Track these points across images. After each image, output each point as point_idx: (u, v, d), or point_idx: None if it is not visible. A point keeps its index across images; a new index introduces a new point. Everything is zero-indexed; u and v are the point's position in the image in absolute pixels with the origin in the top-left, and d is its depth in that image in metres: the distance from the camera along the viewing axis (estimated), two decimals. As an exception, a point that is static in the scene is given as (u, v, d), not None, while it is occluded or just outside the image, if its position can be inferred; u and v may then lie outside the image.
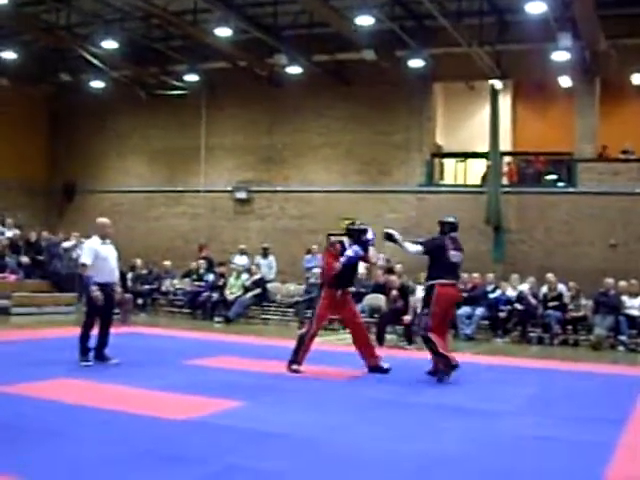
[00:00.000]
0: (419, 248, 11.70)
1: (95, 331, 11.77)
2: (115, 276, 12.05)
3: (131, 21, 24.54)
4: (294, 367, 11.42)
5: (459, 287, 12.30)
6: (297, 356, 11.51)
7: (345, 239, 11.86)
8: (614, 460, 6.82)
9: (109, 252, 11.92)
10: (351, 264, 11.75)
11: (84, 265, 11.63)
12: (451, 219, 12.01)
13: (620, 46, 21.45)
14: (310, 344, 11.58)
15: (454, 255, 11.63)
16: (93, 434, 7.14)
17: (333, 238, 12.64)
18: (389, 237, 11.76)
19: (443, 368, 11.20)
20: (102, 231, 11.96)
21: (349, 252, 11.53)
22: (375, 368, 11.75)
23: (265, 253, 23.21)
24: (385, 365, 11.82)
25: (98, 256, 11.62)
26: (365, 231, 11.80)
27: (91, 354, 11.61)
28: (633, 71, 23.37)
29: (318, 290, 12.38)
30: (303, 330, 12.03)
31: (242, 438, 7.19)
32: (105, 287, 11.60)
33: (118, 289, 12.21)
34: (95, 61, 25.79)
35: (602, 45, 21.32)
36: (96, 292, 11.35)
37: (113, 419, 7.80)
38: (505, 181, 24.29)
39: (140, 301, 22.65)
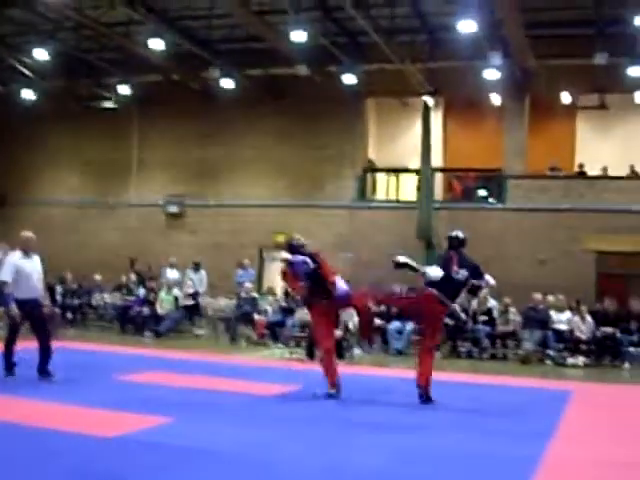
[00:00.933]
0: (439, 272, 11.00)
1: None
2: (38, 292, 11.71)
3: (63, 32, 24.22)
4: (331, 392, 10.97)
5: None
6: (328, 379, 11.10)
7: (288, 255, 11.52)
8: (538, 474, 6.90)
9: (32, 267, 11.61)
10: (311, 273, 11.26)
11: (4, 282, 11.32)
12: (459, 234, 11.51)
13: (549, 66, 21.86)
14: (331, 361, 11.24)
15: (455, 272, 11.02)
16: (18, 451, 7.05)
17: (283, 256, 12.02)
18: (402, 265, 11.33)
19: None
20: (25, 245, 11.67)
21: (296, 259, 11.22)
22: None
23: (196, 267, 23.06)
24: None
25: (19, 272, 11.34)
26: (303, 246, 11.51)
27: (15, 369, 11.45)
28: (561, 90, 23.76)
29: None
30: (319, 354, 11.75)
31: (172, 455, 7.16)
32: (27, 303, 11.33)
33: (45, 303, 12.01)
34: (26, 71, 25.51)
35: (532, 64, 21.73)
36: (14, 310, 11.13)
37: (40, 436, 7.72)
38: (440, 197, 24.61)
39: (70, 315, 22.38)
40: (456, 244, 11.37)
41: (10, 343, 11.45)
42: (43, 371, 11.53)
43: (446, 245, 11.60)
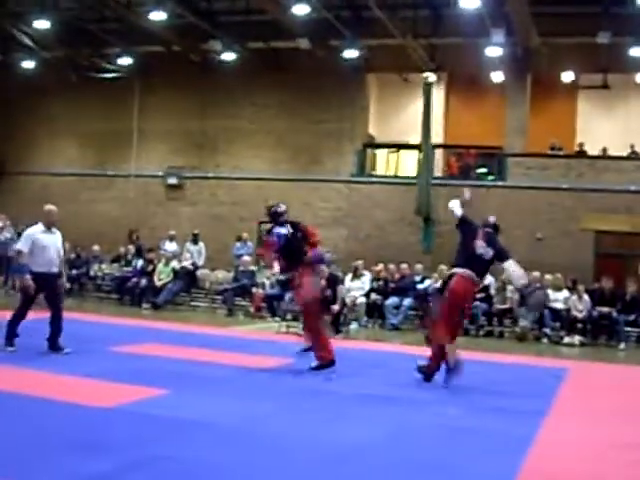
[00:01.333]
0: (459, 211, 10.82)
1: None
2: (54, 266, 11.45)
3: (65, 1, 24.13)
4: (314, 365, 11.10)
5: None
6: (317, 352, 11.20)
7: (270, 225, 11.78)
8: (530, 452, 6.94)
9: (51, 241, 11.41)
10: (289, 245, 11.31)
11: (19, 252, 11.24)
12: (491, 219, 11.19)
13: (552, 44, 21.82)
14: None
15: (480, 246, 10.59)
16: (14, 421, 7.10)
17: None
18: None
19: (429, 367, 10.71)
20: (47, 218, 11.54)
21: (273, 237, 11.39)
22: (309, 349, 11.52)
23: (195, 239, 23.04)
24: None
25: (37, 244, 11.16)
26: (283, 214, 11.64)
27: (16, 340, 11.28)
28: (563, 69, 23.71)
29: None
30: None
31: (166, 426, 7.19)
32: (41, 276, 11.14)
33: (62, 280, 11.85)
34: (27, 41, 25.39)
35: (534, 42, 21.66)
36: (29, 281, 10.98)
37: (35, 406, 7.74)
38: (439, 173, 24.62)
39: (68, 285, 22.36)
40: (489, 226, 11.06)
41: (19, 316, 11.33)
42: (54, 345, 11.39)
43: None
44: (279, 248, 11.32)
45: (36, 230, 11.33)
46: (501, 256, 10.87)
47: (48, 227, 11.47)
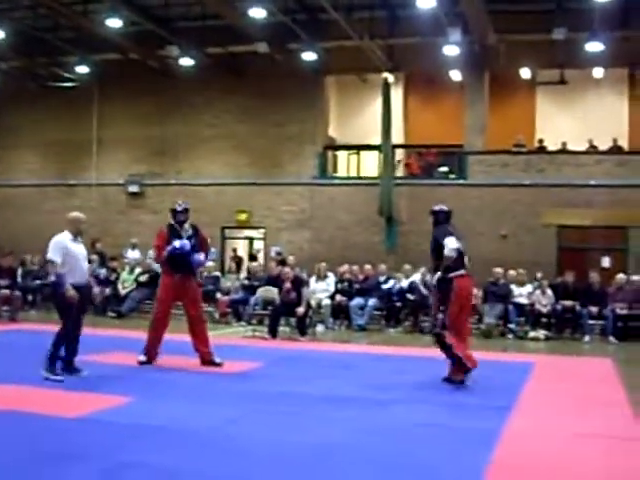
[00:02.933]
0: (450, 239, 10.41)
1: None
2: (85, 277, 10.78)
3: (19, 10, 23.98)
4: (140, 358, 11.50)
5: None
6: (146, 348, 11.61)
7: (172, 221, 11.92)
8: (498, 447, 6.98)
9: (80, 250, 10.63)
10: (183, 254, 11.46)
11: (53, 263, 10.24)
12: (444, 207, 11.09)
13: (509, 41, 21.98)
14: (158, 335, 11.57)
15: (460, 244, 10.62)
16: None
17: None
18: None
19: (455, 373, 10.59)
20: (75, 226, 10.68)
21: (176, 243, 11.43)
22: (208, 362, 11.50)
23: (158, 247, 22.89)
24: (218, 360, 11.54)
25: (69, 253, 10.29)
26: (184, 211, 11.85)
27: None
28: (521, 65, 23.90)
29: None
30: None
31: (133, 434, 7.17)
32: (78, 289, 10.20)
33: (94, 291, 11.15)
34: (-18, 52, 25.21)
35: (491, 40, 21.81)
36: (71, 291, 10.00)
37: (2, 418, 7.69)
38: (401, 173, 24.75)
39: (30, 297, 22.17)
40: (443, 218, 11.00)
41: (64, 337, 10.40)
42: (72, 366, 10.49)
43: (431, 220, 11.12)
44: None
45: (65, 238, 10.45)
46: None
47: (75, 235, 10.63)
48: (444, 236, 10.51)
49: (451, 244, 10.33)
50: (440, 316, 10.54)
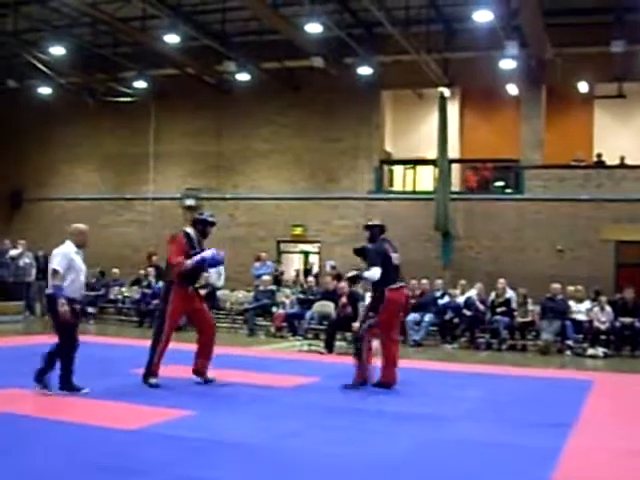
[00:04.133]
0: (377, 269, 10.86)
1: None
2: (82, 292, 10.41)
3: (79, 27, 24.37)
4: (152, 381, 10.64)
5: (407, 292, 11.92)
6: (151, 367, 10.75)
7: (191, 230, 11.15)
8: (559, 465, 6.87)
9: (81, 263, 10.17)
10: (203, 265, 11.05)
11: (55, 272, 9.77)
12: (377, 222, 11.66)
13: (566, 54, 21.74)
14: (165, 350, 10.79)
15: (395, 257, 11.23)
16: (41, 446, 7.08)
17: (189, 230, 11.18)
18: (354, 279, 11.80)
19: (355, 380, 10.87)
20: (78, 238, 10.25)
21: (207, 253, 10.86)
22: (199, 374, 11.18)
23: (216, 261, 23.06)
24: (210, 376, 11.19)
25: (72, 266, 9.91)
26: (213, 224, 11.30)
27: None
28: (579, 79, 23.65)
29: (165, 289, 11.24)
30: (155, 337, 10.97)
31: (192, 448, 7.15)
32: (74, 303, 9.87)
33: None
34: (43, 67, 25.55)
35: (548, 53, 21.61)
36: (65, 306, 9.58)
37: (59, 429, 7.75)
38: (457, 188, 24.64)
39: (89, 309, 22.40)
40: (378, 232, 11.46)
41: (72, 348, 9.97)
42: (69, 385, 9.98)
43: (367, 235, 11.54)
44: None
45: (70, 250, 10.03)
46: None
47: (78, 247, 10.19)
48: (381, 253, 11.12)
49: (375, 273, 10.85)
50: (366, 322, 11.08)
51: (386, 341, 11.13)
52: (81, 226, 10.46)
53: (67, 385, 9.84)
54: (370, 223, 11.63)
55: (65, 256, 9.90)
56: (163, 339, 10.77)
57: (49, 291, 9.93)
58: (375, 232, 11.44)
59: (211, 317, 11.68)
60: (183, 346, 16.76)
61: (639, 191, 22.25)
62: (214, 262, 11.14)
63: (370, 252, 11.25)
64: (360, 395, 10.50)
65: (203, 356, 11.25)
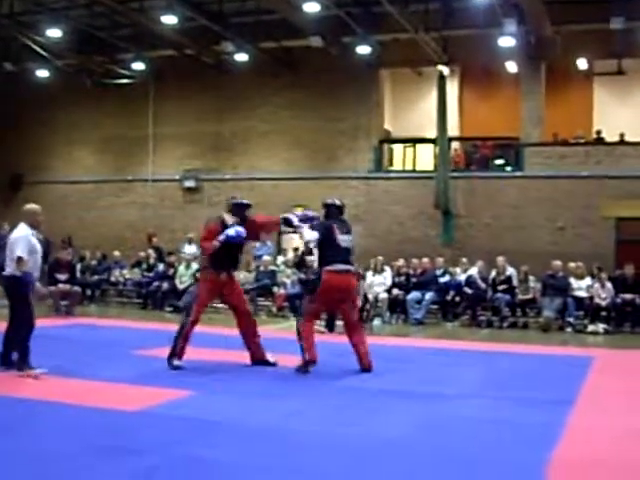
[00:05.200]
0: (315, 235, 10.74)
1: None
2: (39, 273, 10.27)
3: (76, 9, 24.22)
4: (175, 363, 10.57)
5: (354, 273, 10.97)
6: (176, 349, 10.66)
7: (227, 216, 11.02)
8: (560, 441, 6.90)
9: (37, 245, 10.01)
10: (234, 244, 10.83)
11: (21, 259, 9.62)
12: (337, 201, 11.19)
13: (565, 31, 21.69)
14: (190, 333, 10.71)
15: (343, 240, 10.74)
16: (43, 427, 7.10)
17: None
18: (286, 222, 11.18)
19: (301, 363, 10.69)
20: (32, 219, 10.05)
21: (230, 231, 10.62)
22: (261, 361, 11.12)
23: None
24: (272, 359, 11.15)
25: (31, 250, 9.79)
26: (248, 206, 11.18)
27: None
28: (578, 56, 23.61)
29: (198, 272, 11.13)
30: (182, 319, 10.99)
31: (193, 428, 7.17)
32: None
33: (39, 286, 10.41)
34: (40, 50, 25.47)
35: (547, 30, 21.57)
36: (43, 289, 9.62)
37: (63, 412, 7.76)
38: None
39: (89, 292, 22.45)
40: (335, 211, 11.11)
41: (29, 332, 9.79)
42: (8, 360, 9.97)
43: (323, 212, 11.22)
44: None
45: (27, 233, 9.86)
46: None
47: (33, 228, 10.01)
48: (326, 227, 10.80)
49: (313, 234, 10.72)
50: (305, 303, 11.08)
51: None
52: (34, 206, 10.26)
53: (24, 365, 9.69)
54: (328, 201, 11.25)
55: (25, 240, 9.74)
56: (189, 322, 10.71)
57: (15, 274, 9.71)
58: (331, 211, 11.10)
59: (244, 299, 11.63)
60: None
61: (639, 168, 22.19)
62: (238, 239, 10.80)
63: (316, 223, 11.01)
64: (360, 375, 10.51)
65: (250, 338, 11.22)
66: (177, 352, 10.64)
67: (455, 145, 25.59)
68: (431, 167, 24.45)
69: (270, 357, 11.20)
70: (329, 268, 10.57)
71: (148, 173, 27.90)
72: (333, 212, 11.10)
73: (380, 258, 19.95)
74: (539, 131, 23.79)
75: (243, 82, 25.90)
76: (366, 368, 10.74)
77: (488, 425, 7.58)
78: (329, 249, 10.63)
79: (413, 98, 27.02)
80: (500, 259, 19.31)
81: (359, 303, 16.43)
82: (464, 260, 20.29)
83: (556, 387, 9.90)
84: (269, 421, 7.55)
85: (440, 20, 22.54)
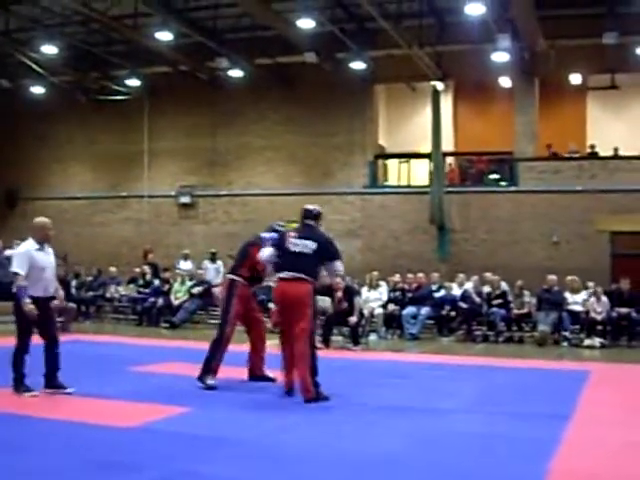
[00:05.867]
0: (269, 251, 10.50)
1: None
2: (52, 290, 9.88)
3: (71, 26, 24.25)
4: (210, 382, 10.36)
5: (305, 279, 10.02)
6: (211, 365, 10.52)
7: (266, 234, 11.16)
8: (557, 456, 6.90)
9: (47, 260, 9.76)
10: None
11: (16, 274, 9.41)
12: (309, 206, 10.89)
13: (558, 46, 21.74)
14: (225, 350, 10.65)
15: (296, 244, 10.21)
16: (42, 444, 7.10)
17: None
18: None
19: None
20: (41, 233, 9.78)
21: (266, 251, 10.50)
22: (259, 377, 11.10)
23: (213, 257, 23.17)
24: (271, 374, 11.07)
25: (34, 265, 9.49)
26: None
27: (26, 380, 9.68)
28: (572, 71, 23.69)
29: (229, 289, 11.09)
30: (216, 335, 10.78)
31: (191, 443, 7.17)
32: (40, 302, 9.47)
33: (57, 301, 10.10)
34: (35, 67, 25.50)
35: (541, 45, 21.63)
36: (29, 305, 9.28)
37: (59, 428, 7.76)
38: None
39: (85, 308, 22.39)
40: (305, 215, 10.78)
41: (22, 351, 9.60)
42: (54, 382, 9.79)
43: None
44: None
45: (30, 248, 9.63)
46: (326, 251, 10.49)
47: (41, 243, 9.75)
48: (279, 237, 10.64)
49: (262, 254, 10.51)
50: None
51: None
52: (43, 219, 10.04)
53: (20, 387, 9.60)
54: (307, 207, 10.94)
55: (22, 256, 9.57)
56: (224, 339, 10.65)
57: (13, 289, 9.57)
58: (303, 215, 10.83)
59: (261, 315, 11.64)
60: (179, 344, 16.83)
61: (633, 182, 22.23)
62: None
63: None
64: (356, 390, 10.51)
65: (255, 354, 11.24)
66: (212, 368, 10.51)
67: (450, 160, 25.65)
68: (426, 182, 24.47)
69: (269, 373, 11.16)
70: (278, 276, 10.28)
71: (143, 189, 27.88)
72: (304, 216, 10.81)
73: (375, 273, 19.96)
74: (533, 146, 23.85)
75: (238, 98, 25.94)
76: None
77: (484, 440, 7.58)
78: (282, 257, 10.27)
79: (407, 113, 27.11)
80: (488, 275, 19.39)
81: (355, 319, 16.47)
82: (461, 275, 20.31)
83: (552, 401, 9.90)
84: (266, 436, 7.55)
85: (434, 35, 22.61)
